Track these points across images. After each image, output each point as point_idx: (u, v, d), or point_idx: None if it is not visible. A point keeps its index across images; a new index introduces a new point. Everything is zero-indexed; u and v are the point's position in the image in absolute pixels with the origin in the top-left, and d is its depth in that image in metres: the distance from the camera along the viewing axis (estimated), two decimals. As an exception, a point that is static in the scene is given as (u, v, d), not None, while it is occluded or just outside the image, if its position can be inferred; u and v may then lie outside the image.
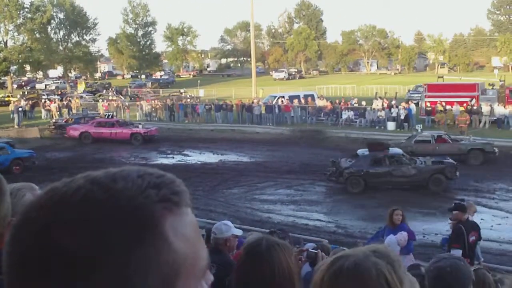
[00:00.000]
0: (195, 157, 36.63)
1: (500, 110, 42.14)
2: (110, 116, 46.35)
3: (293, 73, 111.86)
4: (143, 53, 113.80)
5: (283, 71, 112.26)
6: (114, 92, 77.35)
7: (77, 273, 0.89)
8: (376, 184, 25.65)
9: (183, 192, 1.01)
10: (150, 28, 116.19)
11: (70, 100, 61.43)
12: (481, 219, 17.38)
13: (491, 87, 48.81)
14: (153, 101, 58.57)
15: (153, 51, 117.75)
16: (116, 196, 0.94)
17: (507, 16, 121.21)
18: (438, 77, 60.72)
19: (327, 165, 27.65)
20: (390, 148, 26.86)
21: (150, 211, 0.94)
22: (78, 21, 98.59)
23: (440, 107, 42.84)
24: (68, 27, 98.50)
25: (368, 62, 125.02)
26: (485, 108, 42.31)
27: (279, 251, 3.09)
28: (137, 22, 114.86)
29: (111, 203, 0.93)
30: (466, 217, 11.23)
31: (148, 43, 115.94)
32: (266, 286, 2.90)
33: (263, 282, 2.91)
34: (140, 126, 43.89)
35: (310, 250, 5.15)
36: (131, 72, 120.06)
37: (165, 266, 0.94)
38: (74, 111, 55.76)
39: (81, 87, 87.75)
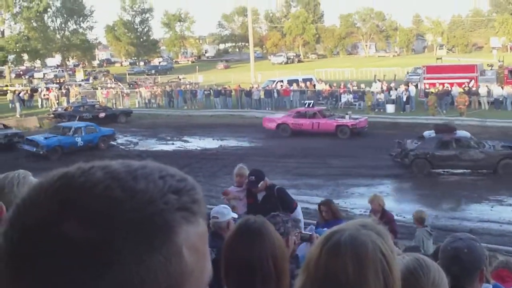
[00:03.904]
0: (195, 143, 36.62)
1: (498, 90, 42.06)
2: (310, 105, 39.87)
3: (292, 57, 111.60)
4: (141, 40, 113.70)
5: (281, 55, 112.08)
6: (113, 80, 77.27)
7: (82, 271, 0.85)
8: (442, 167, 25.33)
9: (202, 202, 0.98)
10: (147, 15, 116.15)
11: (68, 89, 61.34)
12: None
13: (490, 67, 48.74)
14: (152, 88, 58.56)
15: (151, 38, 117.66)
16: (136, 197, 0.90)
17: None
18: (437, 59, 60.67)
19: (392, 146, 27.31)
20: (457, 131, 26.19)
21: (168, 219, 0.90)
22: (75, 9, 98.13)
23: (432, 89, 42.88)
24: (65, 15, 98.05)
25: (366, 45, 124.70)
26: (483, 89, 42.24)
27: (270, 228, 3.10)
28: (134, 8, 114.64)
29: (129, 204, 0.89)
30: None
31: (145, 30, 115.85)
32: (258, 263, 2.90)
33: (254, 259, 2.91)
34: (347, 116, 37.32)
35: (303, 232, 5.19)
36: (129, 59, 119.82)
37: (172, 278, 0.91)
38: (73, 99, 55.64)
39: (79, 75, 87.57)
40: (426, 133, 26.79)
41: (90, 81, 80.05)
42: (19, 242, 0.88)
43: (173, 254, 0.91)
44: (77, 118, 38.79)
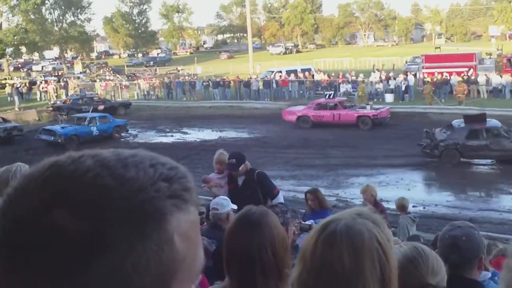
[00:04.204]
0: (194, 135, 36.65)
1: (497, 79, 42.07)
2: (331, 96, 38.52)
3: (290, 47, 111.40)
4: (139, 31, 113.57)
5: (280, 45, 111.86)
6: (111, 72, 77.19)
7: (74, 260, 0.84)
8: (472, 157, 25.05)
9: (193, 189, 0.97)
10: (145, 6, 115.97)
11: (67, 81, 61.29)
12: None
13: (488, 56, 48.73)
14: (151, 80, 58.54)
15: (149, 29, 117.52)
16: (126, 185, 0.89)
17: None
18: (436, 48, 60.72)
19: (421, 136, 26.87)
20: (487, 120, 25.74)
21: (158, 206, 0.90)
22: (73, 1, 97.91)
23: (428, 79, 42.95)
24: (63, 7, 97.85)
25: (365, 35, 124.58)
26: (482, 78, 42.23)
27: (270, 219, 3.11)
28: (132, 0, 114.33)
29: (120, 191, 0.88)
30: None
31: (143, 21, 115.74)
32: (257, 254, 2.92)
33: (254, 249, 2.93)
34: (368, 107, 36.59)
35: (303, 222, 5.21)
36: (127, 51, 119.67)
37: (164, 265, 0.91)
38: (71, 91, 55.60)
39: (77, 67, 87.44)
40: (455, 122, 26.44)
41: (87, 73, 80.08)
42: (11, 232, 0.87)
43: (165, 241, 0.90)
44: (91, 110, 38.91)
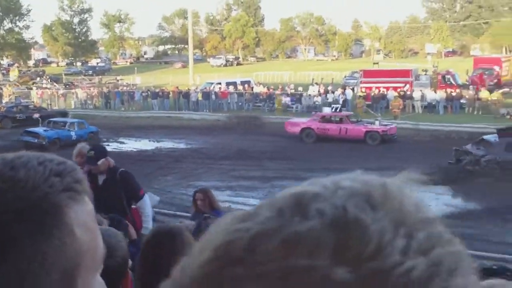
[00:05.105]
0: (131, 145, 36.33)
1: (431, 95, 43.01)
2: (337, 109, 37.15)
3: (231, 60, 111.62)
4: (79, 40, 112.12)
5: (220, 58, 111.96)
6: (49, 80, 75.90)
7: None
8: None
9: (84, 180, 0.97)
10: (86, 15, 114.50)
11: (1, 88, 60.00)
12: None
13: (424, 73, 49.75)
14: (89, 89, 57.81)
15: (89, 38, 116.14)
16: (18, 185, 0.88)
17: (440, 4, 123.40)
18: (374, 63, 61.58)
19: (451, 154, 26.68)
20: None
21: (55, 201, 0.90)
22: (11, 7, 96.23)
23: (360, 93, 43.77)
24: (0, 13, 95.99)
25: (305, 49, 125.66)
26: (418, 93, 43.12)
27: (182, 239, 3.07)
28: (73, 9, 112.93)
29: (13, 193, 0.87)
30: None
31: (84, 30, 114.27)
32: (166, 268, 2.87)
33: (164, 263, 2.88)
34: (377, 122, 35.32)
35: None
36: (66, 60, 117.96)
37: (69, 258, 0.90)
38: (6, 99, 54.42)
39: (13, 74, 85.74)
40: (487, 137, 26.57)
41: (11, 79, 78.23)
42: None
43: (66, 235, 0.90)
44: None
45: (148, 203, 8.16)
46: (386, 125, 35.15)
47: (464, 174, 25.07)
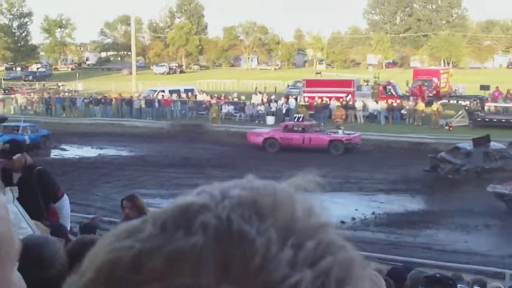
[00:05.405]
0: (73, 152, 35.97)
1: (373, 105, 43.77)
2: (300, 119, 37.22)
3: (174, 67, 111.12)
4: (19, 44, 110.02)
5: (164, 65, 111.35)
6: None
7: None
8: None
9: None
10: (26, 19, 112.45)
11: None
12: None
13: (366, 83, 50.52)
14: (29, 94, 56.84)
15: (29, 43, 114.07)
16: None
17: (382, 16, 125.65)
18: (316, 73, 62.29)
19: (426, 162, 27.70)
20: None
21: None
22: None
23: (303, 103, 44.33)
24: None
25: (248, 58, 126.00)
26: (359, 104, 43.80)
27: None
28: (12, 12, 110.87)
29: None
30: None
31: (24, 34, 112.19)
32: None
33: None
34: (340, 131, 35.31)
35: None
36: (5, 64, 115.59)
37: None
38: None
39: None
40: (461, 145, 27.48)
41: None
42: None
43: None
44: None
45: (67, 204, 7.71)
46: (350, 134, 35.21)
47: (443, 181, 26.05)
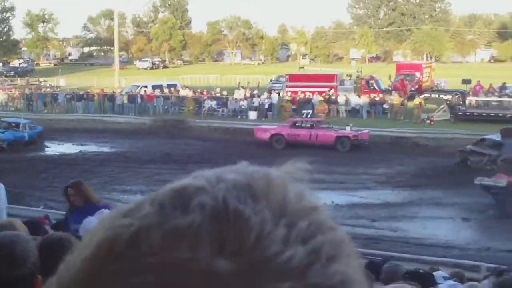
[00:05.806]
0: (54, 148, 35.79)
1: (355, 100, 43.84)
2: (307, 115, 37.65)
3: (157, 62, 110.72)
4: (0, 39, 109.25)
5: (147, 60, 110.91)
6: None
7: None
8: None
9: None
10: (8, 14, 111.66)
11: None
12: None
13: (348, 77, 50.61)
14: (10, 90, 56.44)
15: (11, 38, 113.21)
16: None
17: (365, 10, 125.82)
18: (300, 68, 62.30)
19: (455, 156, 28.39)
20: None
21: None
22: None
23: (286, 97, 44.40)
24: None
25: (232, 52, 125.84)
26: (342, 98, 43.86)
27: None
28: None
29: None
30: None
31: (5, 29, 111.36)
32: None
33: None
34: (348, 128, 35.16)
35: None
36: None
37: None
38: None
39: None
40: (488, 137, 28.26)
41: None
42: None
43: None
44: None
45: (2, 194, 7.55)
46: (357, 131, 35.03)
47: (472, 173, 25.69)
